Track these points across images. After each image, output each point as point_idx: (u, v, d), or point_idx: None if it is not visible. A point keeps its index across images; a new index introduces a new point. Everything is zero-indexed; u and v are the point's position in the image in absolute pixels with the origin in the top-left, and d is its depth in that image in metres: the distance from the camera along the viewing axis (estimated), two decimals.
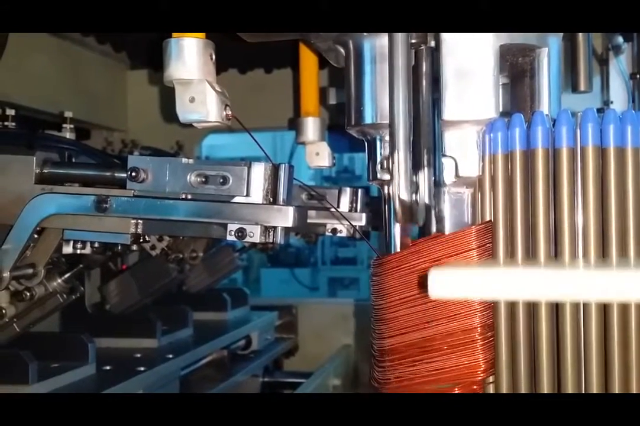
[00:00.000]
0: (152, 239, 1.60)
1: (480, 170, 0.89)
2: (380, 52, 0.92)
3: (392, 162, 0.81)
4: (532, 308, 0.87)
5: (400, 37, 0.82)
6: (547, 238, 0.85)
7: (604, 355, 0.85)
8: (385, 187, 0.95)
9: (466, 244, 0.87)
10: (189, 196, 0.95)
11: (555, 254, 0.86)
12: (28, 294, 1.13)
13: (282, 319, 2.54)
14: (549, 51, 0.93)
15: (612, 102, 1.85)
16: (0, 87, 1.73)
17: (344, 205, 1.57)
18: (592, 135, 0.85)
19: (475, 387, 0.88)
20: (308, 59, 1.49)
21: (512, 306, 0.88)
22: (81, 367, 1.46)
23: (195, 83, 0.89)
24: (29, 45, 1.83)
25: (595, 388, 0.86)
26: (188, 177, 0.95)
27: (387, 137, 0.91)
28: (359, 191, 1.59)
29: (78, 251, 1.12)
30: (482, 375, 0.87)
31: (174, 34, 0.89)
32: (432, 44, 0.90)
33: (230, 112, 0.91)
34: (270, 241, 0.92)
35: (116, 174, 1.02)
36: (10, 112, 1.34)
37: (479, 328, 0.87)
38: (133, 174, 0.96)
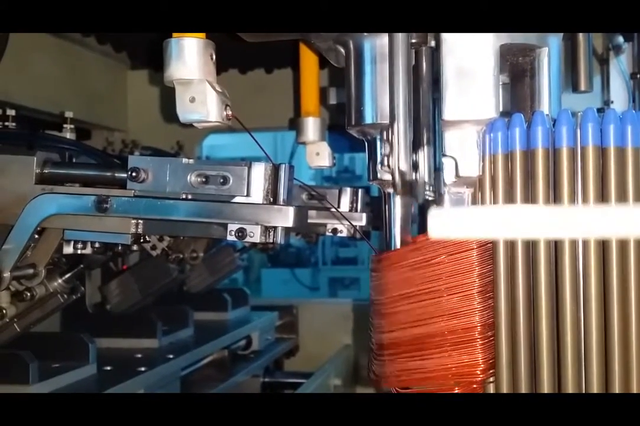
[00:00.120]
0: (153, 239, 1.60)
1: (481, 170, 0.89)
2: (381, 52, 0.92)
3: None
4: (532, 308, 0.87)
5: (400, 37, 0.82)
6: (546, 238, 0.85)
7: (604, 355, 0.86)
8: (386, 187, 0.95)
9: (467, 242, 0.87)
10: (190, 196, 0.95)
11: (555, 254, 0.87)
12: (29, 294, 1.13)
13: (282, 320, 2.53)
14: (549, 51, 0.93)
15: (612, 102, 1.85)
16: (1, 87, 1.73)
17: (345, 205, 1.57)
18: (593, 135, 0.85)
19: (475, 387, 0.88)
20: (308, 59, 1.49)
21: (512, 305, 0.88)
22: (82, 367, 1.46)
23: (196, 83, 0.89)
24: (30, 46, 1.83)
25: (595, 388, 0.86)
26: (188, 177, 0.95)
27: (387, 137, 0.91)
28: (360, 191, 1.59)
29: (79, 251, 1.12)
30: (481, 374, 0.87)
31: (174, 34, 0.89)
32: (432, 44, 0.90)
33: (230, 112, 0.91)
34: (271, 241, 0.92)
35: (116, 174, 1.02)
36: (11, 112, 1.34)
37: (479, 327, 0.87)
38: (133, 174, 0.96)
